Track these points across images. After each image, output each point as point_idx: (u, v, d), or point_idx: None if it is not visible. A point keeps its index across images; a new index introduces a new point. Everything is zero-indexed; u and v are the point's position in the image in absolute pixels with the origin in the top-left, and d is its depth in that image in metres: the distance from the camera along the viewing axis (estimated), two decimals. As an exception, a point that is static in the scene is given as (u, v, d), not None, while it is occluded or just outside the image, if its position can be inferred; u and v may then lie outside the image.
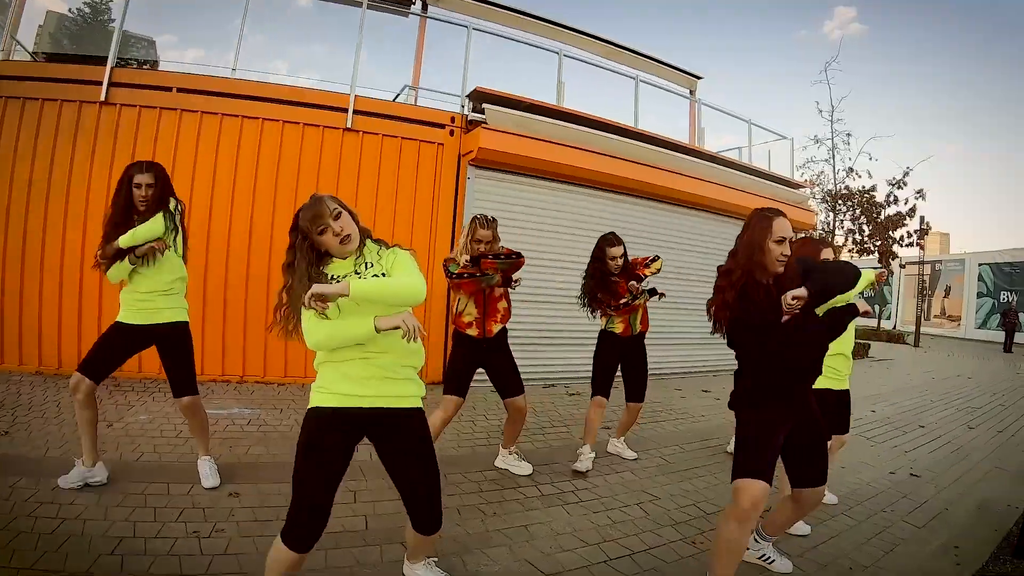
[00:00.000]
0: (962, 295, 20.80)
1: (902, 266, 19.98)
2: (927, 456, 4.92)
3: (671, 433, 5.16)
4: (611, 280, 3.91)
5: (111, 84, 6.01)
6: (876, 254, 17.27)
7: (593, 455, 3.99)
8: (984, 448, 5.27)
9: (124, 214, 3.05)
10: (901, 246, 17.56)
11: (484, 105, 6.42)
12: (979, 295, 20.23)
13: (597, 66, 8.35)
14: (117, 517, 2.73)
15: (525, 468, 3.84)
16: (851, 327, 3.08)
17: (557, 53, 7.63)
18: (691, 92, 10.80)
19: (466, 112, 6.60)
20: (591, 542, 2.88)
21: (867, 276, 2.58)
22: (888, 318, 23.01)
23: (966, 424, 6.27)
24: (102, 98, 5.96)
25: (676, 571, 2.66)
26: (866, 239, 16.87)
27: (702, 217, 8.64)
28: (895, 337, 17.47)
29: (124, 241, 2.98)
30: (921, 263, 18.63)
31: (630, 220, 7.46)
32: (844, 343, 3.20)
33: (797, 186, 11.27)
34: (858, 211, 15.92)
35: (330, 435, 1.91)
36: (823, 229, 15.50)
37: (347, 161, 6.23)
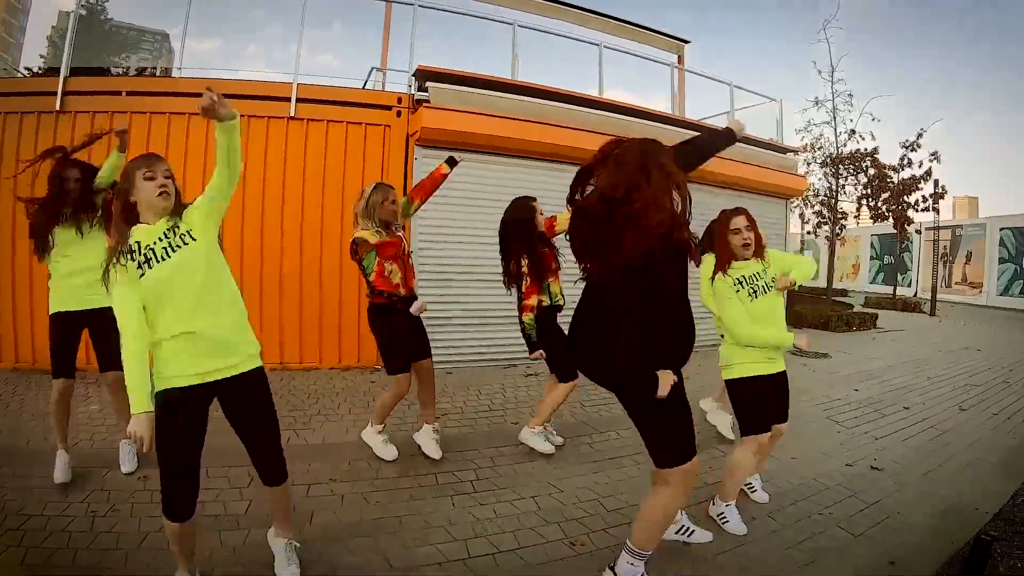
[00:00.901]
0: (983, 261, 19.74)
1: (918, 231, 19.04)
2: (900, 444, 4.36)
3: (615, 418, 4.65)
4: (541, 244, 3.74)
5: (65, 93, 6.10)
6: (891, 219, 16.50)
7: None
8: (970, 434, 4.66)
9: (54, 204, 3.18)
10: (916, 211, 16.74)
11: (428, 83, 6.32)
12: (1001, 260, 19.18)
13: (557, 35, 8.11)
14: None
15: (390, 452, 3.68)
16: (777, 302, 3.00)
17: (512, 24, 7.42)
18: (678, 59, 10.46)
19: (413, 92, 6.47)
20: (459, 537, 2.74)
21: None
22: (908, 285, 22.01)
23: (958, 405, 5.59)
24: (56, 107, 6.03)
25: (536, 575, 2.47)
26: (880, 204, 16.12)
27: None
28: (911, 305, 16.68)
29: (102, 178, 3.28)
30: (937, 228, 17.73)
31: None
32: (770, 320, 2.91)
33: (785, 151, 10.83)
34: (862, 175, 15.18)
35: (183, 412, 2.00)
36: (825, 194, 14.83)
37: (293, 150, 6.26)
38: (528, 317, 3.61)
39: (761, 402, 2.92)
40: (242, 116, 5.94)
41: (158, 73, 9.18)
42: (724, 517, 2.89)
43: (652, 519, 2.13)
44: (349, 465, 3.57)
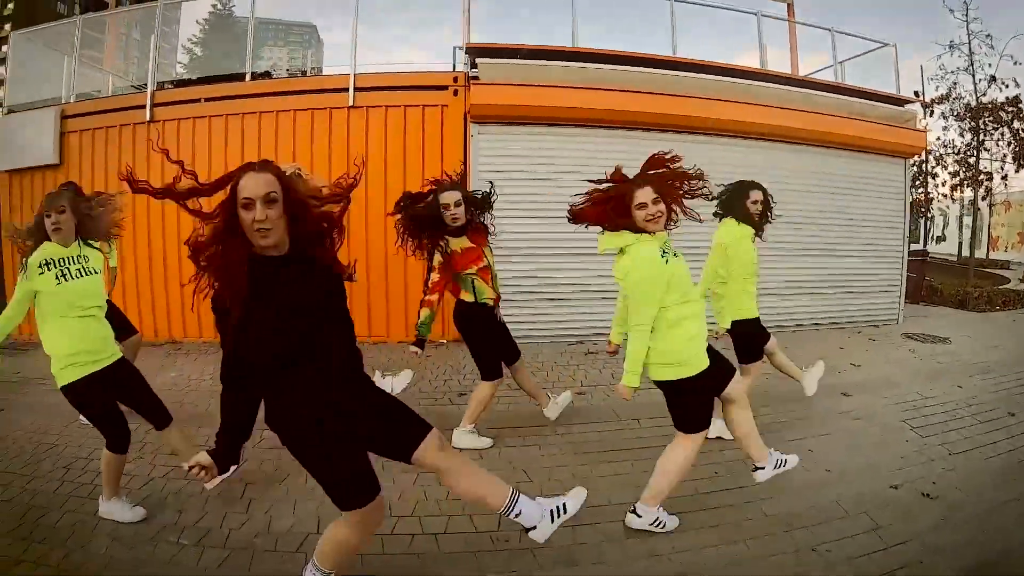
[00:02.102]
0: None
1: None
2: (978, 463, 3.44)
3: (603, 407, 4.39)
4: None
5: (155, 105, 6.74)
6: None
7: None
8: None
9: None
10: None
11: (477, 59, 6.29)
12: None
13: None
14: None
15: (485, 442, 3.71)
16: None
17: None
18: (788, 7, 9.62)
19: (468, 70, 6.45)
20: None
21: None
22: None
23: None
24: (145, 118, 6.71)
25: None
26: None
27: (778, 149, 7.53)
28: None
29: None
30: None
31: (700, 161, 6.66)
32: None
33: (903, 102, 9.60)
34: (1005, 128, 13.08)
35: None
36: (961, 151, 12.98)
37: (355, 137, 6.47)
38: (424, 312, 3.38)
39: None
40: (303, 110, 6.30)
41: (309, 64, 9.77)
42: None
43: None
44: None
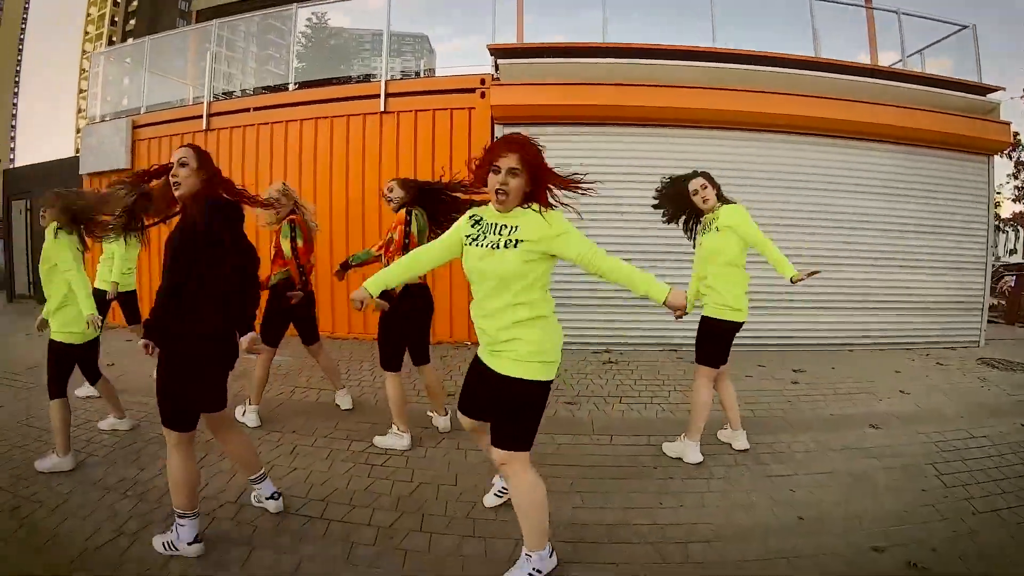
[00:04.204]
0: None
1: None
2: (996, 529, 2.72)
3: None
4: None
5: (210, 115, 7.55)
6: None
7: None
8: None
9: None
10: None
11: (499, 61, 6.58)
12: None
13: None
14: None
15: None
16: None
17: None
18: None
19: (493, 72, 6.79)
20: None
21: None
22: None
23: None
24: (203, 126, 7.48)
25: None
26: None
27: (832, 146, 7.17)
28: None
29: None
30: None
31: (719, 157, 6.70)
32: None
33: (986, 90, 8.92)
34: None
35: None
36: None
37: (387, 142, 6.98)
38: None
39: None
40: (339, 116, 6.86)
41: (422, 73, 10.53)
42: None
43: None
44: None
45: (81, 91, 58.00)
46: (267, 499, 2.88)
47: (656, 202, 3.77)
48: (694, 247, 3.62)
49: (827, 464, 3.47)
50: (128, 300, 5.13)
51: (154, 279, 7.71)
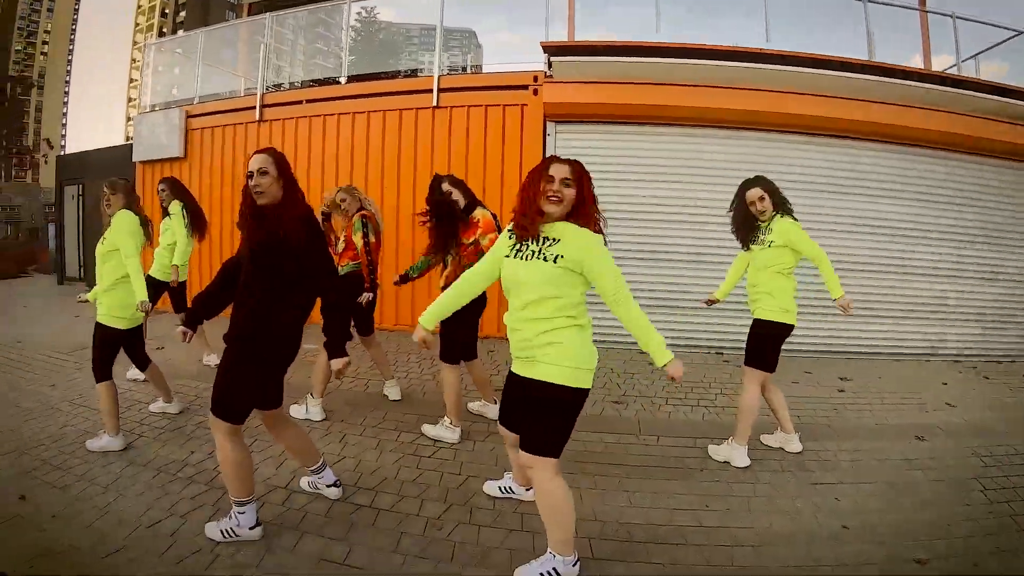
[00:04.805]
0: None
1: None
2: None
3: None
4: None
5: (263, 106, 7.69)
6: None
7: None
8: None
9: None
10: None
11: (551, 58, 6.57)
12: None
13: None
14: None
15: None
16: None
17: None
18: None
19: (546, 69, 6.75)
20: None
21: None
22: None
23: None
24: (255, 118, 7.65)
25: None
26: None
27: (889, 152, 6.90)
28: None
29: None
30: None
31: (780, 161, 6.54)
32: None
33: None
34: None
35: None
36: None
37: (438, 137, 7.01)
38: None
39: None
40: (392, 110, 6.93)
41: (469, 68, 10.65)
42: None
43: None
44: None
45: (131, 81, 59.98)
46: (328, 487, 2.96)
47: (731, 204, 3.76)
48: (745, 249, 3.66)
49: (872, 474, 3.45)
50: (179, 289, 5.26)
51: (203, 272, 7.91)
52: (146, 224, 3.73)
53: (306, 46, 10.88)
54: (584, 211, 2.22)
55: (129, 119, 59.39)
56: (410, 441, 3.75)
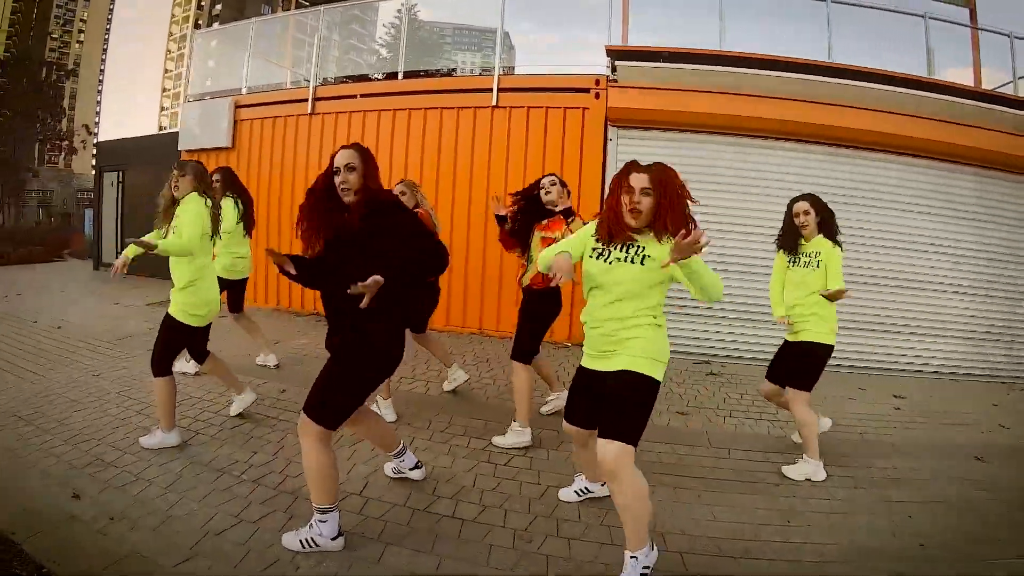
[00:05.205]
0: None
1: None
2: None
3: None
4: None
5: (315, 99, 7.62)
6: None
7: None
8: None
9: None
10: None
11: (616, 63, 6.48)
12: None
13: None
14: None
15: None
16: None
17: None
18: (970, 13, 8.42)
19: (610, 74, 6.62)
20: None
21: None
22: None
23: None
24: (307, 110, 7.59)
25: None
26: None
27: (944, 171, 6.67)
28: None
29: None
30: None
31: (826, 174, 6.41)
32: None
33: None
34: None
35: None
36: None
37: (497, 137, 6.91)
38: None
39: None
40: (449, 108, 6.85)
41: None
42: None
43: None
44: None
45: (166, 71, 60.95)
46: (410, 470, 3.04)
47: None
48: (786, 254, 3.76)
49: (940, 492, 3.44)
50: (238, 287, 5.01)
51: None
52: (216, 210, 3.55)
53: (340, 42, 10.86)
54: (662, 220, 2.26)
55: (163, 109, 60.53)
56: (481, 448, 3.65)
